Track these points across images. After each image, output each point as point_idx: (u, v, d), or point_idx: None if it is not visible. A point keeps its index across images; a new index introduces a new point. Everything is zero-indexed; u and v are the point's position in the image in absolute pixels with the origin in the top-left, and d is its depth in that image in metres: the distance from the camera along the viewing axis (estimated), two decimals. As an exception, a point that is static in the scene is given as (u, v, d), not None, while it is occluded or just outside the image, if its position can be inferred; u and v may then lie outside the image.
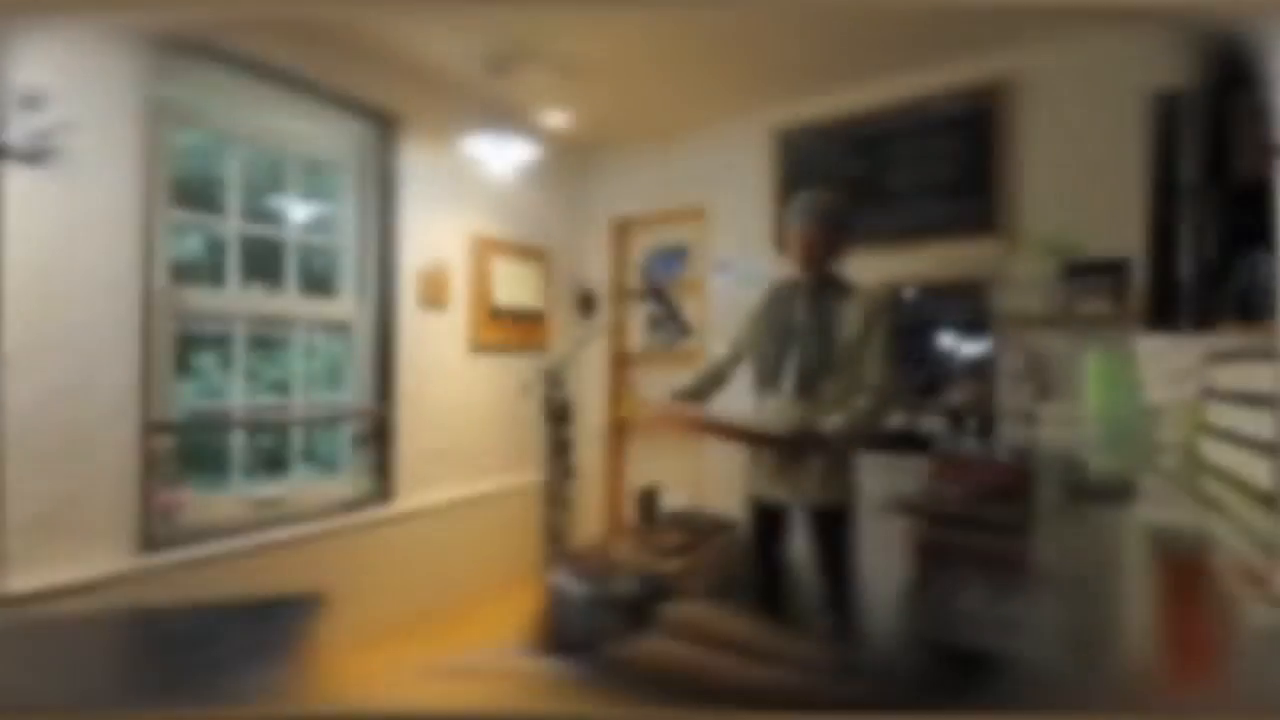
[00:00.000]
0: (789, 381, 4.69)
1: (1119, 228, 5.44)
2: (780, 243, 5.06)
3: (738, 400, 5.29)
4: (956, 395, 6.10)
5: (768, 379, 4.81)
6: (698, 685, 3.58)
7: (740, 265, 7.51)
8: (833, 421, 4.45)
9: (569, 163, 8.61)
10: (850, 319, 4.61)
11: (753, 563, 5.14)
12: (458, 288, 7.14)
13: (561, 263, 8.51)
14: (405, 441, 6.65)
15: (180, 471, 5.25)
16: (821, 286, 4.78)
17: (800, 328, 4.73)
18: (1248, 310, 3.01)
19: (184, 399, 5.45)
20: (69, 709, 2.54)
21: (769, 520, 4.92)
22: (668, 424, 4.88)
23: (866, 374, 4.56)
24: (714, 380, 5.14)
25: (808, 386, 4.63)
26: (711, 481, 7.56)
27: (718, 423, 4.78)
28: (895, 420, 6.33)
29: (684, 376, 8.05)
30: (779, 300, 4.93)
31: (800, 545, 4.85)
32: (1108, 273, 5.48)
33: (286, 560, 5.65)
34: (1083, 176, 5.69)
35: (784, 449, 4.59)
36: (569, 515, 5.43)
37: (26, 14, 3.44)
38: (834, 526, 4.68)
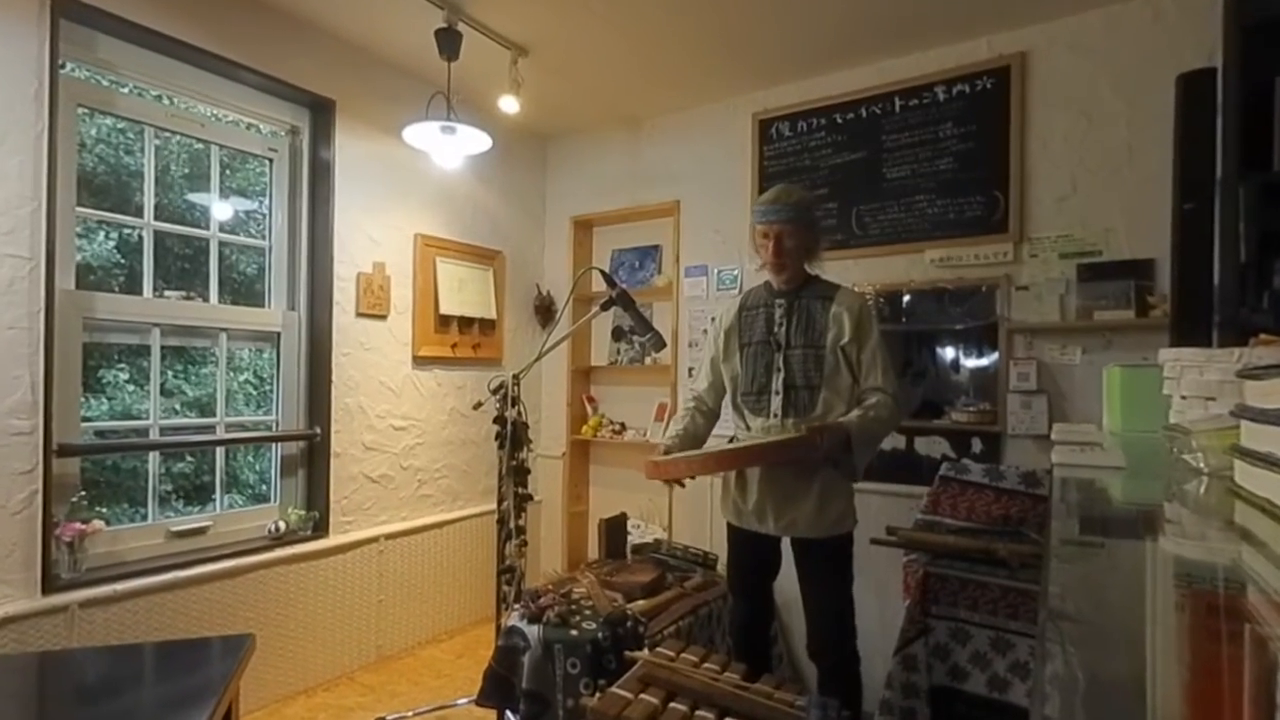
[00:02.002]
0: (776, 401, 4.59)
1: (1142, 225, 5.47)
2: (750, 246, 4.97)
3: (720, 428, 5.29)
4: (960, 413, 6.12)
5: (751, 400, 4.71)
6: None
7: (719, 266, 7.53)
8: (849, 418, 4.37)
9: (525, 154, 8.61)
10: (837, 323, 4.53)
11: (734, 602, 5.08)
12: (400, 294, 7.08)
13: (517, 265, 8.48)
14: (341, 466, 6.59)
15: (89, 501, 5.18)
16: (800, 290, 4.72)
17: (782, 338, 4.65)
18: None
19: (92, 419, 5.40)
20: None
21: (755, 553, 4.84)
22: (665, 476, 4.56)
23: (867, 380, 4.49)
24: (701, 421, 5.07)
25: (798, 404, 4.54)
26: (686, 510, 7.55)
27: (719, 453, 4.59)
28: (890, 441, 6.34)
29: (656, 393, 8.07)
30: (754, 310, 4.85)
31: (789, 581, 4.80)
32: (1129, 276, 5.46)
33: (209, 599, 5.57)
34: (1102, 168, 5.67)
35: (799, 455, 4.35)
36: (526, 548, 5.38)
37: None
38: (829, 561, 4.59)
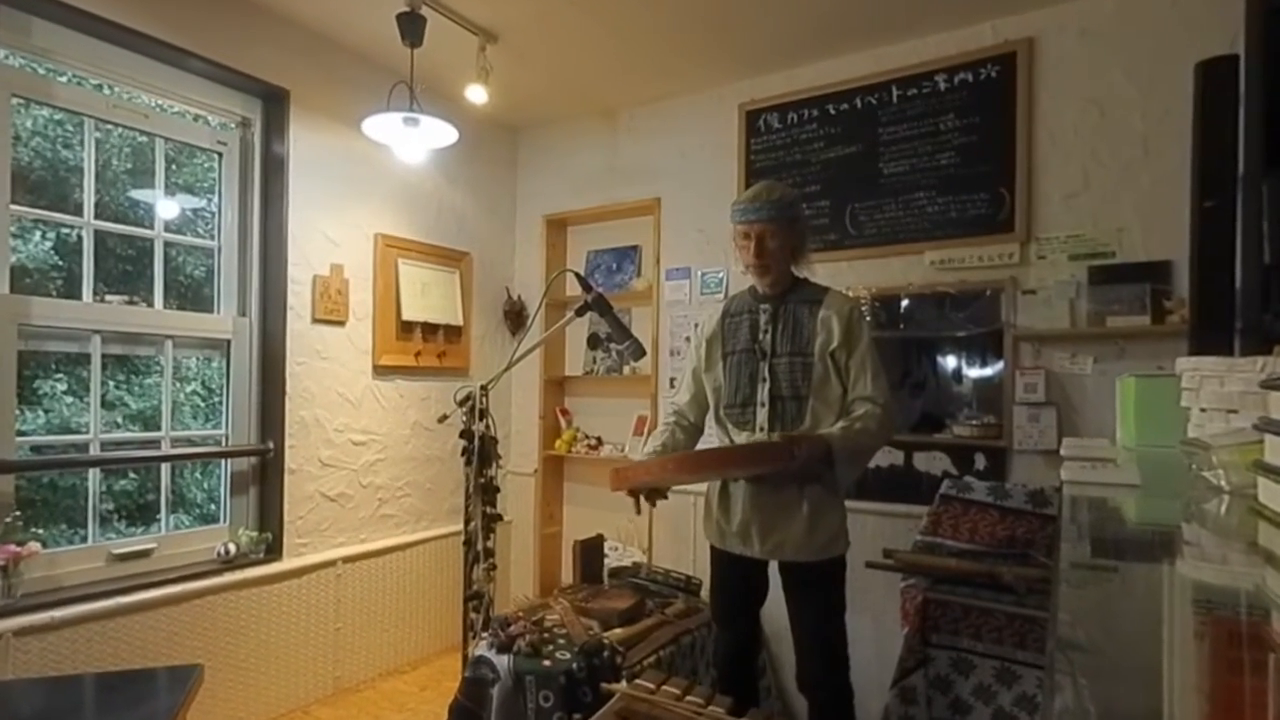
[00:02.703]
0: (762, 413, 4.54)
1: (1158, 224, 5.47)
2: (731, 247, 4.93)
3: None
4: (962, 427, 6.12)
5: (735, 413, 4.66)
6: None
7: (703, 269, 7.52)
8: (831, 431, 4.29)
9: (494, 148, 8.61)
10: (825, 328, 4.48)
11: (719, 631, 5.05)
12: (359, 298, 7.06)
13: (485, 267, 8.48)
14: (296, 484, 6.56)
15: (24, 521, 5.16)
16: (785, 295, 4.67)
17: (768, 346, 4.60)
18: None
19: (28, 433, 5.38)
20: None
21: (740, 578, 4.79)
22: (627, 483, 4.46)
23: (856, 389, 4.44)
24: (681, 437, 5.00)
25: (785, 416, 4.48)
26: (668, 531, 7.54)
27: (683, 456, 4.53)
28: (887, 457, 6.35)
29: (635, 405, 8.06)
30: (738, 317, 4.81)
31: (777, 608, 4.76)
32: (1144, 279, 5.45)
33: (154, 626, 5.55)
34: (1115, 162, 5.67)
35: (772, 464, 4.26)
36: (495, 572, 5.34)
37: None
38: (819, 586, 4.53)
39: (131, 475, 6.01)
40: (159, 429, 5.97)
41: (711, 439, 4.87)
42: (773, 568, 4.69)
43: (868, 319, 4.78)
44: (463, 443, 5.14)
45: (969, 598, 4.61)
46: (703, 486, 4.92)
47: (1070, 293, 5.70)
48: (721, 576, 4.86)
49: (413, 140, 6.36)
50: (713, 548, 4.82)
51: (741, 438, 4.58)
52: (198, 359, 6.29)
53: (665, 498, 4.64)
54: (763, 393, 4.52)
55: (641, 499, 4.53)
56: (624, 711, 4.10)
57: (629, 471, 4.35)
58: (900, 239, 6.41)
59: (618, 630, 5.61)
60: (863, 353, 4.43)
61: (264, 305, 6.45)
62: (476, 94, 6.61)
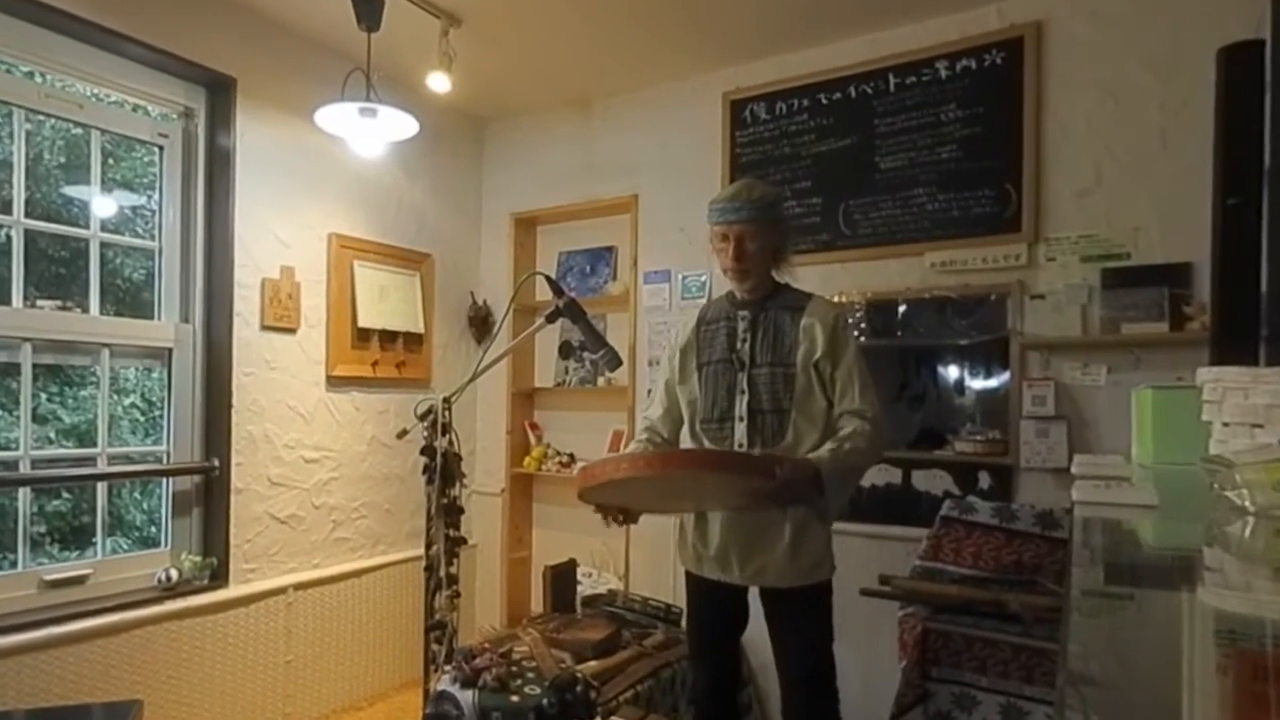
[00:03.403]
0: (740, 428, 4.50)
1: (1178, 224, 5.47)
2: (711, 250, 4.86)
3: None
4: (964, 443, 6.11)
5: (712, 428, 4.61)
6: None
7: (684, 271, 7.53)
8: (819, 453, 4.20)
9: (458, 141, 8.63)
10: (808, 337, 4.45)
11: (694, 664, 5.04)
12: (312, 303, 7.04)
13: (448, 270, 8.48)
14: (243, 505, 6.53)
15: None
16: (766, 301, 4.64)
17: (746, 356, 4.56)
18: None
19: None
20: None
21: (717, 606, 4.75)
22: (592, 481, 4.18)
23: (843, 402, 4.41)
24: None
25: (765, 431, 4.45)
26: (645, 555, 7.55)
27: (651, 453, 4.57)
28: (883, 475, 6.34)
29: (611, 419, 8.08)
30: (714, 324, 4.77)
31: (761, 638, 4.73)
32: (1162, 283, 5.46)
33: (89, 659, 5.51)
34: (1131, 157, 5.68)
35: (750, 477, 4.09)
36: (458, 601, 5.32)
37: None
38: (805, 614, 4.50)
39: (65, 495, 5.98)
40: (95, 445, 5.94)
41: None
42: (754, 595, 4.65)
43: (853, 327, 4.78)
44: (424, 460, 5.13)
45: (972, 628, 4.59)
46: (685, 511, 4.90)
47: (1082, 297, 5.70)
48: (698, 606, 4.83)
49: (370, 132, 6.31)
50: (688, 574, 4.78)
51: None
52: (137, 369, 6.27)
53: (635, 521, 4.56)
54: (741, 406, 4.48)
55: (610, 518, 4.47)
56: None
57: (596, 469, 4.14)
58: (898, 239, 6.40)
59: (592, 663, 5.61)
60: (850, 363, 4.42)
61: (208, 311, 6.43)
62: (439, 82, 6.60)
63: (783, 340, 4.49)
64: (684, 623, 6.32)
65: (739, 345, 4.58)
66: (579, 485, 4.19)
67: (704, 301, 6.98)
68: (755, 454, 4.29)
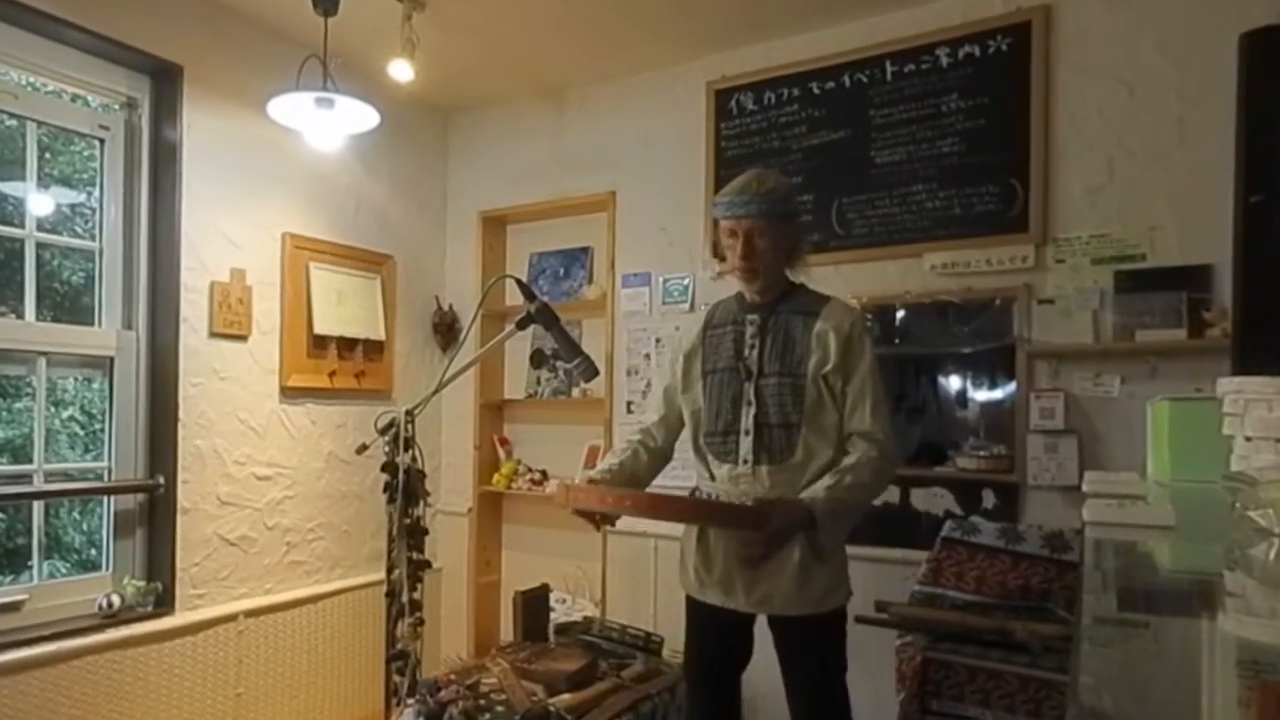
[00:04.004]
0: (745, 442, 4.44)
1: (1196, 223, 5.46)
2: (715, 247, 4.80)
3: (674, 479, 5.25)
4: (967, 459, 6.10)
5: (716, 442, 4.56)
6: None
7: (665, 274, 7.51)
8: (814, 492, 4.19)
9: (422, 134, 8.62)
10: (821, 345, 4.37)
11: (691, 696, 4.97)
12: (265, 308, 7.02)
13: (411, 273, 8.46)
14: (190, 525, 6.49)
15: None
16: (777, 304, 4.60)
17: (754, 364, 4.51)
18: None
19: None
20: None
21: (720, 635, 4.69)
22: (577, 505, 4.38)
23: (852, 420, 4.37)
24: (645, 459, 4.92)
25: (772, 447, 4.39)
26: (624, 580, 7.54)
27: (645, 494, 4.55)
28: (880, 495, 6.33)
29: (587, 433, 8.06)
30: (721, 328, 4.70)
31: (768, 669, 4.70)
32: (1180, 286, 5.44)
33: (24, 691, 5.47)
34: (1146, 151, 5.67)
35: (745, 529, 4.25)
36: (422, 628, 5.31)
37: None
38: (815, 645, 4.47)
39: (-3, 516, 5.96)
40: (30, 461, 5.91)
41: (680, 472, 4.84)
42: (760, 623, 4.61)
43: (871, 333, 4.63)
44: (385, 477, 5.13)
45: (975, 658, 4.58)
46: (668, 527, 4.90)
47: (1093, 302, 5.70)
48: (699, 633, 4.76)
49: (327, 124, 6.34)
50: (689, 598, 4.72)
51: (723, 471, 4.49)
52: (76, 380, 6.25)
53: (612, 525, 4.66)
54: (747, 419, 4.43)
55: (597, 525, 4.54)
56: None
57: (579, 494, 4.30)
58: (895, 239, 6.40)
59: (566, 696, 5.58)
60: (863, 377, 4.35)
61: (153, 317, 6.40)
62: (401, 70, 6.57)
63: (793, 348, 4.44)
64: (666, 653, 6.38)
65: (746, 352, 4.53)
66: (559, 502, 4.27)
67: (686, 306, 7.10)
68: (744, 505, 4.28)
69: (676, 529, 4.95)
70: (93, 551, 6.36)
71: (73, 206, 6.23)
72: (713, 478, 4.57)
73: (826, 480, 4.20)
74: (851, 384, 4.35)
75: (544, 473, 8.18)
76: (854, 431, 4.34)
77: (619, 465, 4.78)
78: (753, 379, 4.46)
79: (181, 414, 6.37)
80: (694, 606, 4.70)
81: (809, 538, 4.23)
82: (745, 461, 4.40)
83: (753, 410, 4.42)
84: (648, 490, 4.68)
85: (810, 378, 4.35)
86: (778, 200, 4.44)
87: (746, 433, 4.41)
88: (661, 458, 4.97)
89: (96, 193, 6.27)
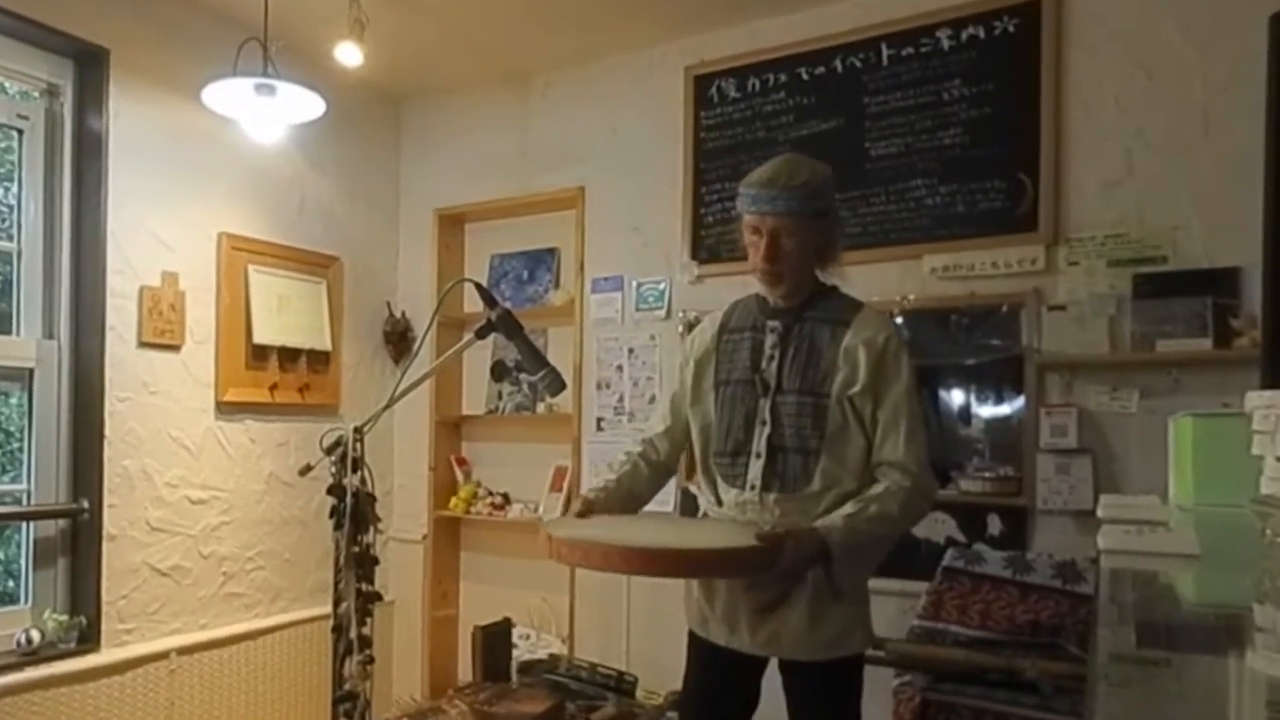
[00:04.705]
0: (755, 466, 4.26)
1: (1223, 221, 5.44)
2: (742, 243, 4.42)
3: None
4: (971, 481, 6.08)
5: (724, 463, 4.36)
6: None
7: (639, 278, 7.50)
8: (831, 520, 3.91)
9: (372, 124, 8.61)
10: (849, 361, 4.09)
11: None
12: (199, 315, 6.98)
13: (360, 277, 8.45)
14: (118, 554, 6.45)
15: None
16: (803, 309, 4.30)
17: (772, 378, 4.23)
18: None
19: None
20: None
21: (722, 677, 4.47)
22: (564, 560, 4.13)
23: (883, 449, 4.08)
24: (645, 474, 4.71)
25: (785, 474, 4.17)
26: (594, 614, 7.51)
27: (638, 551, 3.92)
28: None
29: (553, 452, 8.04)
30: (738, 334, 4.46)
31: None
32: (1205, 291, 5.41)
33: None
34: (1168, 142, 5.65)
35: (749, 571, 4.02)
36: (373, 667, 5.22)
37: None
38: (825, 695, 4.26)
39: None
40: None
41: (675, 494, 4.76)
42: (773, 667, 4.39)
43: (907, 349, 4.25)
44: (331, 501, 5.04)
45: (980, 699, 4.58)
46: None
47: (1110, 309, 5.68)
48: (700, 673, 4.54)
49: (267, 113, 6.28)
50: (691, 634, 4.52)
51: (730, 496, 4.29)
52: (-10, 394, 6.22)
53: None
54: (759, 440, 4.21)
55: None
56: None
57: (564, 549, 3.92)
58: (892, 240, 6.39)
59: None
60: (896, 401, 4.08)
61: (76, 325, 6.37)
62: (349, 54, 6.52)
63: (817, 363, 4.17)
64: (642, 693, 6.35)
65: (764, 364, 4.27)
66: (547, 552, 4.01)
67: (662, 312, 7.09)
68: (747, 548, 3.87)
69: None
70: (10, 583, 6.32)
71: (-13, 204, 6.19)
72: (719, 503, 4.40)
73: (847, 508, 3.95)
74: (883, 408, 4.08)
75: (506, 496, 8.15)
76: (883, 462, 4.07)
77: (615, 482, 4.57)
78: (769, 395, 4.21)
79: (108, 431, 6.33)
80: (695, 643, 4.49)
81: (825, 572, 3.95)
82: (753, 488, 4.18)
83: (766, 431, 4.20)
84: (636, 546, 3.95)
85: (834, 398, 4.09)
86: (810, 195, 4.12)
87: (758, 456, 4.20)
88: (664, 472, 4.79)
89: (14, 189, 6.24)
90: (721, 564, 4.01)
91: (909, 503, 4.01)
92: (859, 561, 4.07)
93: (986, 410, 6.01)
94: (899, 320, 6.26)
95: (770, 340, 4.30)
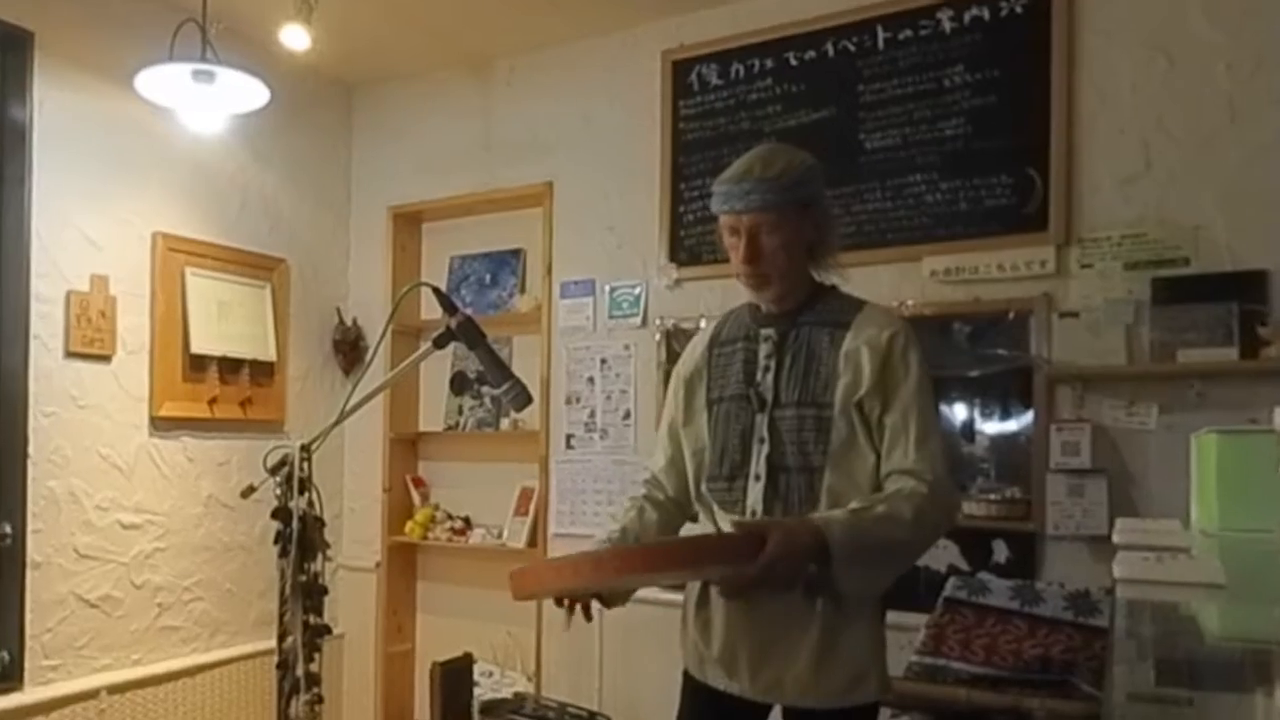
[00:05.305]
0: (754, 490, 4.03)
1: (1250, 220, 5.42)
2: (719, 244, 4.21)
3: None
4: (975, 503, 6.05)
5: (720, 488, 4.16)
6: None
7: (613, 282, 7.48)
8: (831, 513, 3.66)
9: (321, 114, 8.60)
10: (852, 365, 3.87)
11: None
12: (132, 323, 6.94)
13: (308, 281, 8.44)
14: (43, 583, 6.43)
15: None
16: (799, 314, 4.15)
17: (768, 393, 4.03)
18: None
19: None
20: None
21: None
22: (525, 593, 4.02)
23: (891, 458, 3.82)
24: (654, 517, 4.41)
25: (789, 496, 3.96)
26: (563, 649, 7.45)
27: (592, 555, 3.80)
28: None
29: (518, 472, 8.02)
30: (730, 346, 4.29)
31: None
32: (1230, 296, 5.38)
33: None
34: (1190, 134, 5.63)
35: (726, 566, 3.64)
36: (321, 707, 5.14)
37: None
38: None
39: None
40: None
41: (694, 529, 4.56)
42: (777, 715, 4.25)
43: (919, 346, 4.01)
44: (276, 525, 4.98)
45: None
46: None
47: (1127, 316, 5.65)
48: (693, 716, 4.36)
49: (207, 102, 6.24)
50: (686, 674, 4.32)
51: (728, 524, 4.02)
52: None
53: (623, 603, 4.16)
54: (757, 460, 4.00)
55: (578, 606, 3.87)
56: None
57: (527, 577, 3.76)
58: (888, 240, 6.37)
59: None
60: (906, 403, 3.83)
61: (-5, 332, 6.38)
62: (295, 37, 6.49)
63: (817, 370, 3.95)
64: None
65: (759, 376, 4.07)
66: (515, 593, 3.90)
67: (638, 319, 7.07)
68: (728, 535, 3.80)
69: (690, 590, 4.36)
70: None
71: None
72: (717, 530, 4.16)
73: (853, 504, 3.67)
74: (891, 412, 3.83)
75: (467, 520, 8.14)
76: (894, 470, 3.78)
77: (620, 532, 4.29)
78: (766, 410, 4.00)
79: (31, 450, 6.30)
80: (690, 686, 4.29)
81: (823, 577, 3.58)
82: (753, 513, 3.97)
83: (765, 449, 3.99)
84: (590, 552, 3.86)
85: (838, 408, 3.86)
86: (788, 185, 3.88)
87: (756, 478, 3.99)
88: (677, 511, 4.50)
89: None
90: (685, 555, 3.67)
91: (924, 511, 3.64)
92: (865, 571, 3.63)
93: (992, 427, 6.01)
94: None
95: (764, 350, 4.10)
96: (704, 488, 4.18)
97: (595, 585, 3.76)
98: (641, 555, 3.77)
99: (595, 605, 3.91)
